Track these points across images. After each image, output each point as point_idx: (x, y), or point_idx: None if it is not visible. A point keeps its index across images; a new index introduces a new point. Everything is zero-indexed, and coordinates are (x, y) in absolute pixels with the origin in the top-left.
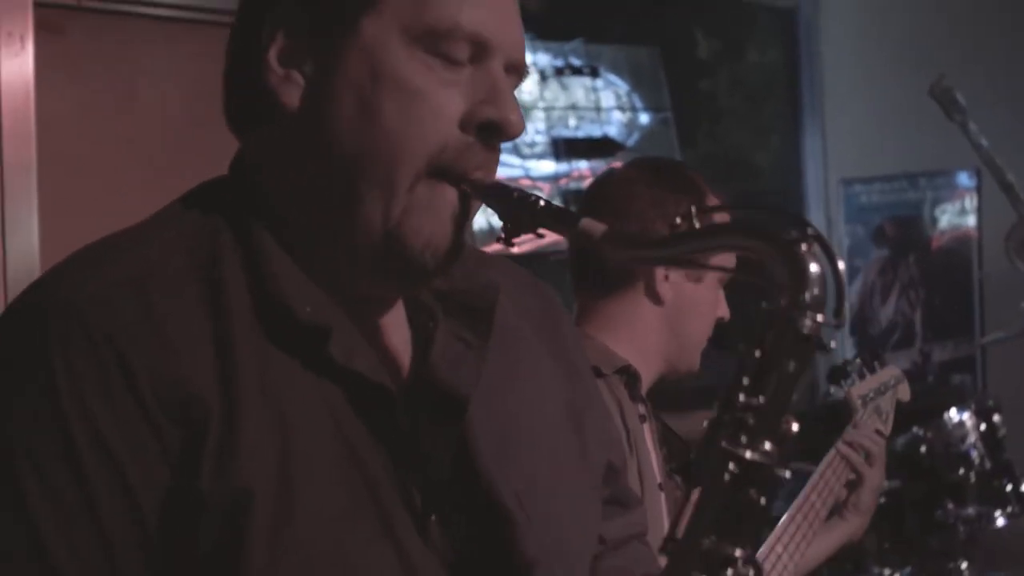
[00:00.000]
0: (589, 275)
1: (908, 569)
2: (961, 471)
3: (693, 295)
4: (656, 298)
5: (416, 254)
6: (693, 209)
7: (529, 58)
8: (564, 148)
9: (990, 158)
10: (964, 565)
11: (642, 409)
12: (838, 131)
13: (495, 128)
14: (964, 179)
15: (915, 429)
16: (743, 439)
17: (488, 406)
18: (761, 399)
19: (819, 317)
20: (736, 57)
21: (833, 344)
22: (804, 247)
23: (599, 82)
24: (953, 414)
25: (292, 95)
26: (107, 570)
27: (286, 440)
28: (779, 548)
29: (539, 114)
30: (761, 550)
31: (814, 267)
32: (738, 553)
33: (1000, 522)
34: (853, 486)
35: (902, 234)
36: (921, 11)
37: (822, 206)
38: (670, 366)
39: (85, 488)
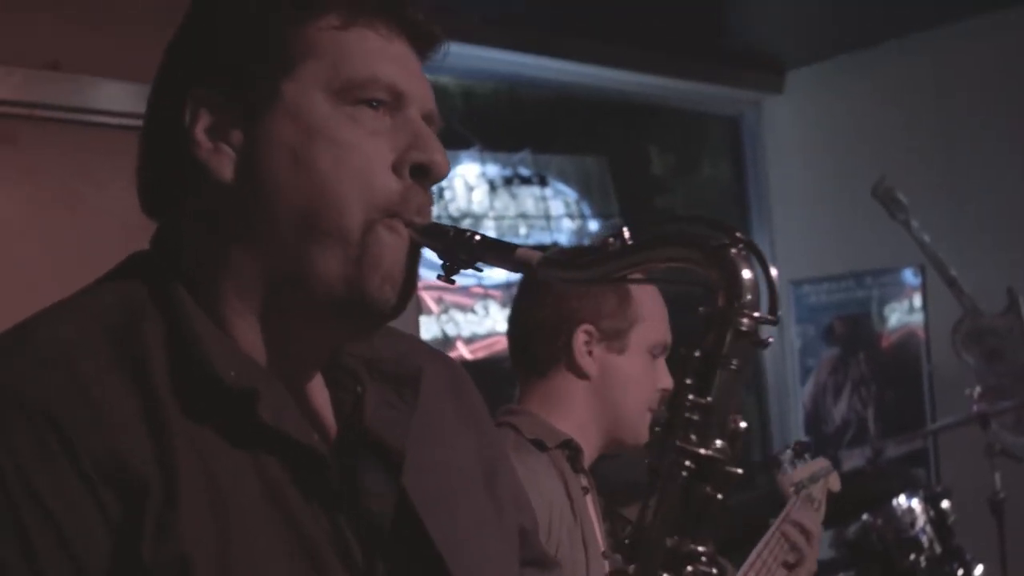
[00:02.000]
0: (523, 358)
1: None
2: (912, 556)
3: (618, 366)
4: (580, 372)
5: (375, 288)
6: (624, 228)
7: (478, 169)
8: None
9: (933, 254)
10: None
11: (584, 481)
12: (786, 234)
13: (425, 170)
14: (909, 276)
15: (865, 516)
16: (694, 437)
17: (415, 468)
18: (708, 398)
19: (755, 314)
20: (687, 169)
21: (771, 340)
22: (735, 251)
23: (548, 191)
24: (902, 500)
25: (225, 166)
26: None
27: (221, 509)
28: None
29: (490, 223)
30: None
31: (746, 269)
32: (700, 549)
33: None
34: (789, 566)
35: (851, 332)
36: (860, 115)
37: None
38: (610, 438)
39: (35, 567)
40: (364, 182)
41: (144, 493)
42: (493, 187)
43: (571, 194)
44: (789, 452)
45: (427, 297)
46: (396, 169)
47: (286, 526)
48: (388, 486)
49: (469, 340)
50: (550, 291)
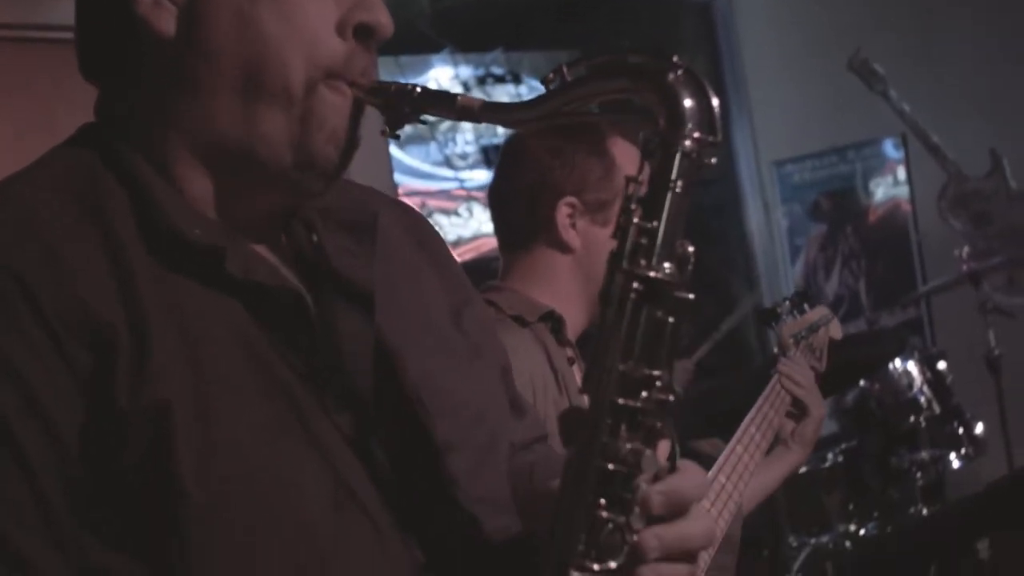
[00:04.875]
0: (504, 231)
1: (872, 523)
2: (912, 418)
3: (602, 237)
4: (563, 246)
5: (320, 148)
6: (564, 66)
7: (451, 72)
8: (495, 156)
9: (913, 122)
10: (924, 511)
11: (570, 352)
12: (765, 116)
13: (369, 30)
14: (891, 147)
15: (862, 383)
16: (643, 262)
17: (383, 310)
18: (654, 223)
19: (696, 134)
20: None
21: (714, 160)
22: (672, 76)
23: (522, 88)
24: (898, 364)
25: (166, 21)
26: (30, 500)
27: (195, 356)
28: (722, 478)
29: (466, 125)
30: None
31: (685, 93)
32: (655, 374)
33: (955, 464)
34: (797, 418)
35: (837, 207)
36: None
37: (757, 190)
38: (596, 311)
39: (3, 426)
40: (309, 42)
41: (114, 341)
42: (467, 88)
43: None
44: (787, 303)
45: (409, 203)
46: (340, 29)
47: (260, 369)
48: (362, 325)
49: (455, 244)
50: (530, 161)
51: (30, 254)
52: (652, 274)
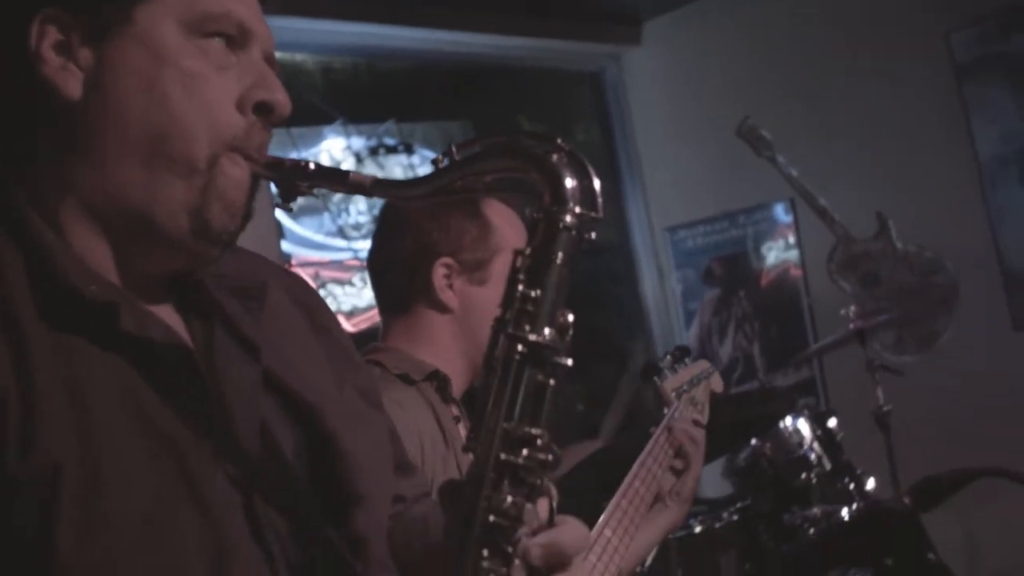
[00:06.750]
0: (384, 294)
1: None
2: (803, 475)
3: (481, 297)
4: (442, 306)
5: (216, 217)
6: (454, 147)
7: (343, 143)
8: None
9: (801, 186)
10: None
11: (455, 410)
12: (656, 183)
13: (268, 108)
14: (781, 212)
15: (754, 442)
16: (526, 327)
17: (271, 371)
18: (537, 292)
19: (578, 210)
20: (551, 123)
21: (593, 235)
22: (555, 156)
23: (415, 158)
24: (788, 422)
25: (73, 85)
26: None
27: (84, 415)
28: (607, 532)
29: (360, 196)
30: (591, 533)
31: (567, 172)
32: (535, 432)
33: (847, 519)
34: (677, 474)
35: (730, 271)
36: (720, 58)
37: (651, 256)
38: (478, 369)
39: None
40: (211, 115)
41: (5, 404)
42: (359, 159)
43: None
44: (668, 358)
45: (302, 274)
46: (240, 106)
47: (148, 428)
48: (252, 377)
49: (350, 314)
50: (407, 226)
51: None
52: (534, 338)
